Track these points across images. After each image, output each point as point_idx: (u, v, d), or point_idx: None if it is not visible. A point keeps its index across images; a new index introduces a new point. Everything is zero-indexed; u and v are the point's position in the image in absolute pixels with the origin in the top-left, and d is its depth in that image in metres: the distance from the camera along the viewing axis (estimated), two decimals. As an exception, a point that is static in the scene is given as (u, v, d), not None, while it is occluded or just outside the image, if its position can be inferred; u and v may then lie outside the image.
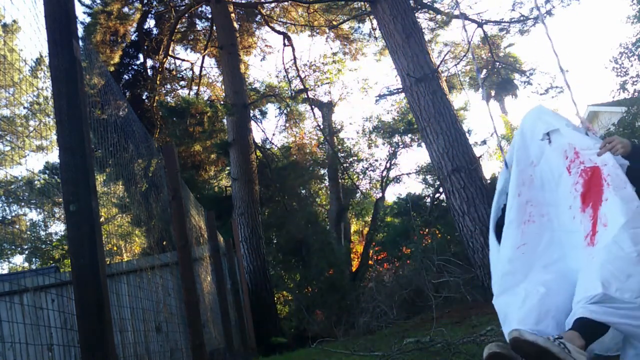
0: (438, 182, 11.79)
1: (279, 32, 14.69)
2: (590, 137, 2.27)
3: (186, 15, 14.06)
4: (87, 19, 11.85)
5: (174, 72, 15.13)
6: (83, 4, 12.21)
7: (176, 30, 13.85)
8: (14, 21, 11.98)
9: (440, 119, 7.45)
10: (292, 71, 15.45)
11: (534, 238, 2.16)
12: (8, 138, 13.45)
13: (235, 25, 13.03)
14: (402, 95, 12.82)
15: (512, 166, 2.45)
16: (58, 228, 19.40)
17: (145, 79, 13.37)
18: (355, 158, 17.85)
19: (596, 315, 1.73)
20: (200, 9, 14.21)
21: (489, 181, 9.60)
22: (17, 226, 17.57)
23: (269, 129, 37.28)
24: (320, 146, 17.19)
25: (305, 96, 15.58)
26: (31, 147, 13.87)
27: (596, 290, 1.76)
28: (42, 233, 19.14)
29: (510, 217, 2.25)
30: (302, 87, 15.37)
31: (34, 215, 19.40)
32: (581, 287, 1.85)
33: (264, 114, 15.96)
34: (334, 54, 16.12)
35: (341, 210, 16.66)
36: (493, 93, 23.93)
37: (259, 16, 14.69)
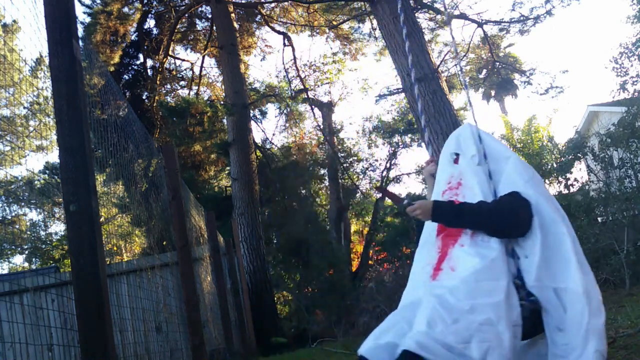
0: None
1: (279, 32, 14.69)
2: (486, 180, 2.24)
3: (186, 15, 14.06)
4: (87, 19, 11.86)
5: (174, 72, 15.13)
6: (83, 4, 12.21)
7: (176, 30, 13.84)
8: (14, 21, 11.98)
9: (440, 119, 7.45)
10: (292, 71, 15.46)
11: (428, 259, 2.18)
12: (8, 138, 13.45)
13: (235, 25, 13.03)
14: (402, 95, 12.83)
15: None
16: (58, 228, 19.41)
17: (145, 79, 13.37)
18: (355, 158, 17.86)
19: (419, 350, 1.69)
20: (200, 9, 14.21)
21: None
22: (17, 226, 17.57)
23: (269, 129, 37.31)
24: (320, 146, 17.19)
25: (305, 96, 15.58)
26: (31, 147, 13.87)
27: (421, 327, 1.75)
28: (42, 233, 19.14)
29: (422, 239, 2.27)
30: (302, 87, 15.37)
31: (34, 215, 19.41)
32: (412, 323, 1.83)
33: (264, 114, 15.98)
34: (334, 54, 16.12)
35: (341, 210, 16.66)
36: (493, 93, 23.94)
37: (259, 16, 14.68)
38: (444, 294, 1.86)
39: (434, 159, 2.52)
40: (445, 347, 1.70)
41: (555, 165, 8.82)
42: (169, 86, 15.29)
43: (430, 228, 2.24)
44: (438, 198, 2.27)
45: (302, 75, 15.56)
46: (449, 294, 1.85)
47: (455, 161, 2.30)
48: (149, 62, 13.98)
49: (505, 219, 2.05)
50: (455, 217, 2.10)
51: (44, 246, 18.48)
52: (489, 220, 2.05)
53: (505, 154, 2.28)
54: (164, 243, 5.01)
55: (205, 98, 14.51)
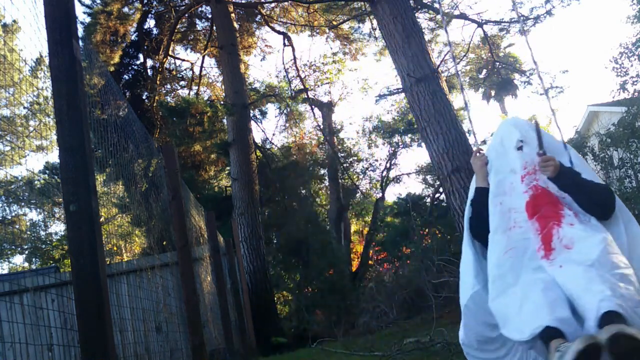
0: (438, 182, 11.80)
1: (279, 32, 14.69)
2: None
3: (186, 15, 14.06)
4: (87, 19, 11.86)
5: (174, 72, 15.13)
6: (83, 4, 12.21)
7: (176, 30, 13.84)
8: (14, 21, 11.98)
9: (440, 119, 7.45)
10: (292, 71, 15.46)
11: (521, 242, 2.18)
12: (8, 138, 13.45)
13: (235, 25, 13.03)
14: (402, 95, 12.83)
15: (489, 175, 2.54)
16: (58, 228, 19.41)
17: (145, 79, 13.37)
18: (355, 158, 17.86)
19: (620, 309, 1.74)
20: (200, 9, 14.21)
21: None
22: (17, 226, 17.57)
23: (269, 129, 37.31)
24: (320, 146, 17.19)
25: (305, 96, 15.59)
26: (31, 147, 13.87)
27: (606, 292, 1.79)
28: (42, 233, 19.15)
29: (494, 225, 2.28)
30: (302, 87, 15.38)
31: (34, 215, 19.41)
32: (587, 295, 1.84)
33: (264, 114, 15.98)
34: (334, 54, 16.12)
35: (341, 210, 16.66)
36: (493, 93, 23.94)
37: (259, 16, 14.68)
38: (592, 265, 1.91)
39: (480, 149, 2.60)
40: (635, 306, 1.79)
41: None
42: (169, 86, 15.29)
43: (506, 214, 2.27)
44: (515, 182, 2.34)
45: (302, 75, 15.57)
46: (595, 266, 1.91)
47: (520, 149, 2.40)
48: (149, 62, 13.99)
49: (607, 198, 2.26)
50: (573, 182, 2.26)
51: (44, 246, 18.48)
52: (597, 194, 2.24)
53: (561, 147, 2.48)
54: (164, 243, 5.01)
55: (205, 98, 14.52)
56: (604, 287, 1.81)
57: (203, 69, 14.71)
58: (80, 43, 1.93)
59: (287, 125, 17.03)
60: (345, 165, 17.26)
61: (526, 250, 2.15)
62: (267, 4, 14.21)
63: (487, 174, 2.46)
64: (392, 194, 25.98)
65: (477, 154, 2.56)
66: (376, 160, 17.62)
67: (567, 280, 1.93)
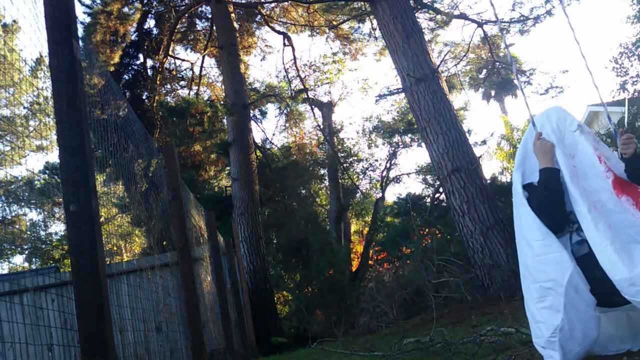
0: (438, 182, 11.80)
1: (279, 32, 14.69)
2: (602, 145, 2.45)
3: (186, 15, 14.06)
4: (87, 19, 11.86)
5: (174, 72, 15.13)
6: (83, 4, 12.22)
7: (176, 30, 13.84)
8: (14, 21, 11.99)
9: (440, 119, 7.45)
10: (292, 71, 15.46)
11: (618, 216, 2.25)
12: (8, 138, 13.45)
13: (235, 25, 13.03)
14: (402, 95, 12.83)
15: (518, 166, 2.56)
16: (58, 228, 19.41)
17: (145, 79, 13.37)
18: (355, 158, 17.85)
19: None
20: (200, 9, 14.21)
21: (488, 181, 9.60)
22: (17, 226, 17.57)
23: (269, 129, 37.33)
24: (320, 146, 17.19)
25: (305, 96, 15.58)
26: (31, 147, 13.87)
27: None
28: (42, 233, 19.15)
29: (582, 204, 2.26)
30: (302, 87, 15.37)
31: (34, 215, 19.42)
32: None
33: (264, 114, 15.98)
34: (334, 54, 16.13)
35: (341, 210, 16.66)
36: (493, 93, 23.93)
37: (259, 16, 14.69)
38: None
39: (540, 132, 2.57)
40: None
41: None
42: (169, 86, 15.29)
43: (592, 194, 2.29)
44: (594, 165, 2.37)
45: (302, 75, 15.57)
46: None
47: (581, 132, 2.46)
48: (149, 62, 14.00)
49: None
50: None
51: (44, 246, 18.48)
52: None
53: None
54: (164, 243, 5.01)
55: (205, 98, 14.52)
56: None
57: (203, 69, 14.73)
58: (80, 43, 1.93)
59: (287, 125, 17.03)
60: (345, 165, 17.25)
61: (631, 222, 2.20)
62: (267, 4, 14.21)
63: (554, 156, 2.42)
64: (392, 194, 26.00)
65: (541, 138, 2.51)
66: (376, 160, 17.62)
67: None
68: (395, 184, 17.67)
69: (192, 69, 14.84)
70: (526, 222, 2.39)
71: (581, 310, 2.20)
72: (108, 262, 2.65)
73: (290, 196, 14.65)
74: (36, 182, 16.55)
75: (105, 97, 3.32)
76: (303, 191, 15.97)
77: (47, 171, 15.83)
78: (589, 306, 2.21)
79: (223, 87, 13.35)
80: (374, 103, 27.20)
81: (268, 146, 15.97)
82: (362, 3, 11.45)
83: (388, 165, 16.97)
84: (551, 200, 2.37)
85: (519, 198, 2.48)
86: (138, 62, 13.91)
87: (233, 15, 12.78)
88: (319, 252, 11.80)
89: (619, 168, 2.36)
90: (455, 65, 14.51)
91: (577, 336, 2.20)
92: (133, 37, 13.47)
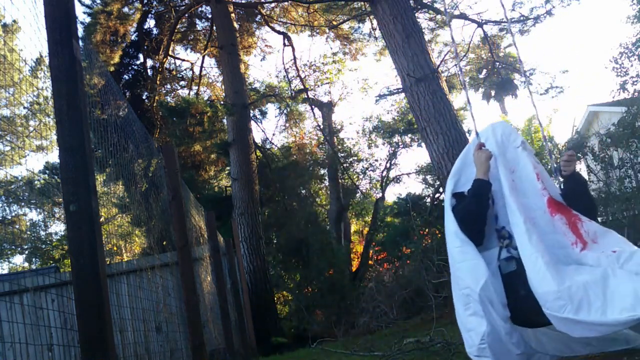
0: (438, 182, 11.79)
1: (279, 32, 14.69)
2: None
3: (186, 15, 14.06)
4: (87, 19, 11.86)
5: (174, 72, 15.13)
6: (83, 4, 12.22)
7: (176, 30, 13.84)
8: (14, 21, 11.98)
9: (440, 119, 7.44)
10: (292, 71, 15.46)
11: (551, 236, 2.26)
12: (8, 138, 13.45)
13: (235, 25, 13.03)
14: (402, 95, 12.83)
15: (453, 176, 2.59)
16: (58, 228, 19.42)
17: (145, 79, 13.37)
18: (355, 158, 17.85)
19: None
20: (200, 9, 14.21)
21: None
22: (17, 226, 17.57)
23: (269, 129, 37.33)
24: (320, 146, 17.19)
25: (305, 96, 15.58)
26: (31, 147, 13.87)
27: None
28: (42, 233, 19.15)
29: (517, 218, 2.27)
30: (302, 87, 15.37)
31: (34, 215, 19.42)
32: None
33: (264, 114, 15.98)
34: (334, 54, 16.13)
35: (341, 210, 16.65)
36: (493, 93, 23.93)
37: (259, 16, 14.69)
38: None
39: (483, 143, 2.60)
40: None
41: (555, 165, 8.80)
42: (169, 86, 15.29)
43: (527, 211, 2.28)
44: (518, 181, 2.40)
45: (302, 75, 15.57)
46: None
47: (523, 149, 2.49)
48: (149, 62, 13.99)
49: (596, 210, 2.60)
50: (583, 186, 2.44)
51: (44, 246, 18.49)
52: (593, 204, 2.49)
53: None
54: (164, 243, 5.01)
55: (205, 98, 14.52)
56: None
57: (203, 69, 14.73)
58: (80, 43, 1.93)
59: (287, 125, 17.03)
60: (345, 165, 17.25)
61: (561, 244, 2.20)
62: (267, 4, 14.21)
63: (489, 169, 2.45)
64: (392, 194, 26.00)
65: (482, 148, 2.54)
66: (376, 160, 17.63)
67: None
68: (395, 184, 17.69)
69: (192, 69, 14.86)
70: (448, 229, 2.41)
71: (494, 323, 2.19)
72: (108, 262, 2.65)
73: (290, 196, 14.65)
74: (36, 182, 16.55)
75: (105, 97, 3.32)
76: (303, 191, 15.97)
77: (47, 171, 15.83)
78: (502, 320, 2.20)
79: (223, 87, 13.35)
80: (374, 103, 27.20)
81: (268, 146, 15.98)
82: (362, 3, 11.45)
83: (388, 165, 16.99)
84: (475, 210, 2.37)
85: (447, 205, 2.50)
86: (138, 62, 13.91)
87: (233, 15, 12.78)
88: (319, 252, 11.80)
89: (554, 190, 2.38)
90: (455, 65, 14.50)
91: (504, 341, 2.19)
92: (133, 37, 13.47)
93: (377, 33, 13.31)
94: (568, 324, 1.97)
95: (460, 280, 2.29)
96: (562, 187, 2.46)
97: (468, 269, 2.26)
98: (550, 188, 2.36)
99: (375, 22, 11.36)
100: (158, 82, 13.59)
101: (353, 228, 19.60)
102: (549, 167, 2.88)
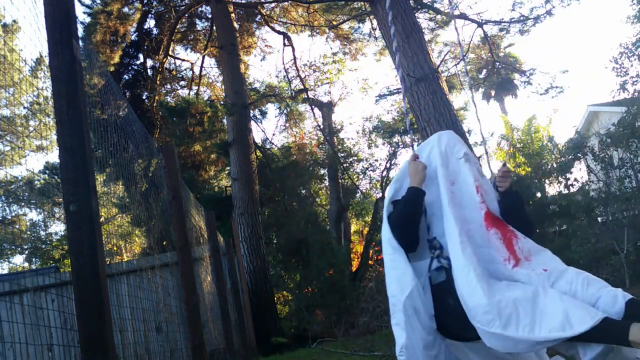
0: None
1: (279, 32, 14.69)
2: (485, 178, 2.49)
3: (186, 15, 14.06)
4: (87, 19, 11.87)
5: (174, 72, 15.14)
6: (83, 4, 12.22)
7: (176, 30, 13.85)
8: (14, 21, 11.97)
9: (440, 119, 7.44)
10: (292, 71, 15.46)
11: (485, 250, 2.26)
12: (8, 138, 13.45)
13: (235, 25, 13.03)
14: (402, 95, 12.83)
15: (396, 182, 2.58)
16: (58, 228, 19.42)
17: (145, 79, 13.37)
18: (355, 158, 17.85)
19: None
20: (200, 9, 14.22)
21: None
22: (17, 226, 17.57)
23: (269, 129, 37.33)
24: (320, 146, 17.18)
25: (305, 96, 15.58)
26: (31, 147, 13.87)
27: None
28: (42, 233, 19.16)
29: (453, 228, 2.26)
30: (302, 87, 15.37)
31: (34, 215, 19.42)
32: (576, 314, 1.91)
33: (264, 114, 15.99)
34: (334, 54, 16.13)
35: (341, 210, 16.65)
36: (493, 93, 23.94)
37: (259, 16, 14.69)
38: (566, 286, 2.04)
39: (417, 155, 2.59)
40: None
41: (555, 165, 8.82)
42: (169, 86, 15.30)
43: (464, 223, 2.28)
44: (458, 192, 2.39)
45: (302, 75, 15.57)
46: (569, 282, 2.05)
47: (466, 160, 2.48)
48: (149, 62, 14.00)
49: (534, 226, 2.53)
50: (520, 201, 2.45)
51: (44, 246, 18.49)
52: (529, 220, 2.48)
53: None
54: (164, 243, 5.01)
55: (205, 98, 14.52)
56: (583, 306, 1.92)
57: (203, 69, 14.74)
58: (80, 43, 1.93)
59: (287, 125, 17.03)
60: (345, 165, 17.25)
61: (493, 259, 2.21)
62: (267, 4, 14.21)
63: (424, 179, 2.43)
64: (392, 194, 25.89)
65: (417, 159, 2.52)
66: (376, 160, 17.61)
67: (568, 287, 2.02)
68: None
69: (192, 69, 14.86)
70: (383, 236, 2.41)
71: (418, 333, 2.17)
72: (108, 262, 2.65)
73: (290, 196, 14.65)
74: (36, 182, 16.55)
75: (105, 97, 3.32)
76: (303, 191, 15.97)
77: (47, 171, 15.82)
78: (426, 332, 2.18)
79: (223, 87, 13.35)
80: (374, 103, 27.20)
81: (268, 146, 15.98)
82: (362, 3, 11.45)
83: (388, 165, 16.97)
84: (407, 217, 2.36)
85: (384, 212, 2.51)
86: (138, 62, 13.92)
87: (233, 15, 12.78)
88: (319, 252, 11.79)
89: (494, 205, 2.38)
90: (455, 65, 14.52)
91: (421, 355, 2.17)
92: (133, 37, 13.47)
93: (377, 33, 13.32)
94: (496, 339, 1.97)
95: (389, 287, 2.28)
96: (499, 203, 2.45)
97: (396, 277, 2.25)
98: (489, 202, 2.36)
99: (375, 22, 11.36)
100: (158, 82, 13.59)
101: (353, 228, 19.59)
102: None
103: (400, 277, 2.23)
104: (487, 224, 2.27)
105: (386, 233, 2.39)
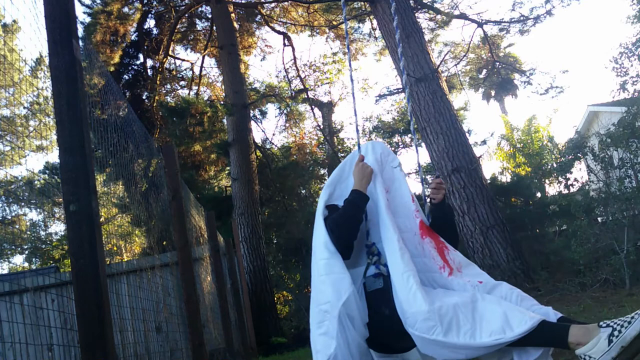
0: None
1: (279, 32, 14.70)
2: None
3: (186, 15, 14.06)
4: (87, 19, 11.86)
5: (174, 72, 15.13)
6: (83, 4, 12.22)
7: (176, 30, 13.85)
8: (14, 21, 11.97)
9: (440, 119, 7.45)
10: (292, 71, 15.46)
11: (419, 259, 2.30)
12: (8, 138, 13.45)
13: (235, 25, 13.03)
14: (402, 95, 12.83)
15: (332, 186, 2.55)
16: (58, 228, 19.43)
17: (145, 79, 13.37)
18: (355, 158, 17.82)
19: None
20: (200, 9, 14.21)
21: (489, 181, 9.60)
22: (17, 226, 17.57)
23: (269, 129, 37.34)
24: (320, 146, 17.18)
25: (305, 96, 15.58)
26: (31, 147, 13.87)
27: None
28: (42, 233, 19.16)
29: (390, 235, 2.22)
30: (302, 87, 15.37)
31: (34, 215, 19.42)
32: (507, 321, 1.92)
33: (264, 114, 15.98)
34: (334, 54, 16.12)
35: (341, 210, 16.62)
36: (493, 93, 23.94)
37: (259, 16, 14.69)
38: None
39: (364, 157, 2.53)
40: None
41: (555, 165, 8.82)
42: (169, 86, 15.29)
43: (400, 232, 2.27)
44: (406, 204, 2.41)
45: (302, 75, 15.57)
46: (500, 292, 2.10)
47: (400, 170, 2.52)
48: (149, 62, 13.99)
49: (458, 238, 2.64)
50: (451, 213, 2.50)
51: (44, 246, 18.49)
52: (457, 232, 2.57)
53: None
54: (164, 243, 5.01)
55: (205, 98, 14.52)
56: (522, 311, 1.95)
57: (203, 69, 14.74)
58: (80, 43, 1.93)
59: (287, 125, 17.03)
60: (345, 165, 17.22)
61: (428, 267, 2.23)
62: (267, 4, 14.21)
63: (369, 183, 2.39)
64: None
65: (364, 162, 2.47)
66: (376, 160, 17.59)
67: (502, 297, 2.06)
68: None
69: (192, 69, 14.86)
70: (317, 240, 2.31)
71: (352, 342, 2.08)
72: (108, 262, 2.65)
73: (290, 196, 14.65)
74: (36, 182, 16.54)
75: (105, 97, 3.32)
76: (303, 191, 15.97)
77: (47, 171, 15.82)
78: (361, 338, 2.11)
79: (223, 87, 13.35)
80: (374, 103, 27.20)
81: (268, 146, 15.97)
82: (362, 3, 11.45)
83: (388, 165, 16.95)
84: (349, 219, 2.28)
85: (318, 215, 2.40)
86: (138, 62, 13.91)
87: (233, 15, 12.78)
88: (319, 252, 11.79)
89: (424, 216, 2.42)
90: (455, 65, 14.52)
91: None
92: (133, 37, 13.47)
93: (377, 33, 13.32)
94: (435, 347, 1.93)
95: (321, 294, 2.16)
96: (429, 214, 2.44)
97: (332, 283, 2.13)
98: (423, 213, 2.40)
99: (375, 22, 11.36)
100: (158, 82, 13.59)
101: (353, 228, 19.58)
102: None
103: (336, 282, 2.12)
104: (422, 233, 2.28)
105: (321, 236, 2.27)
